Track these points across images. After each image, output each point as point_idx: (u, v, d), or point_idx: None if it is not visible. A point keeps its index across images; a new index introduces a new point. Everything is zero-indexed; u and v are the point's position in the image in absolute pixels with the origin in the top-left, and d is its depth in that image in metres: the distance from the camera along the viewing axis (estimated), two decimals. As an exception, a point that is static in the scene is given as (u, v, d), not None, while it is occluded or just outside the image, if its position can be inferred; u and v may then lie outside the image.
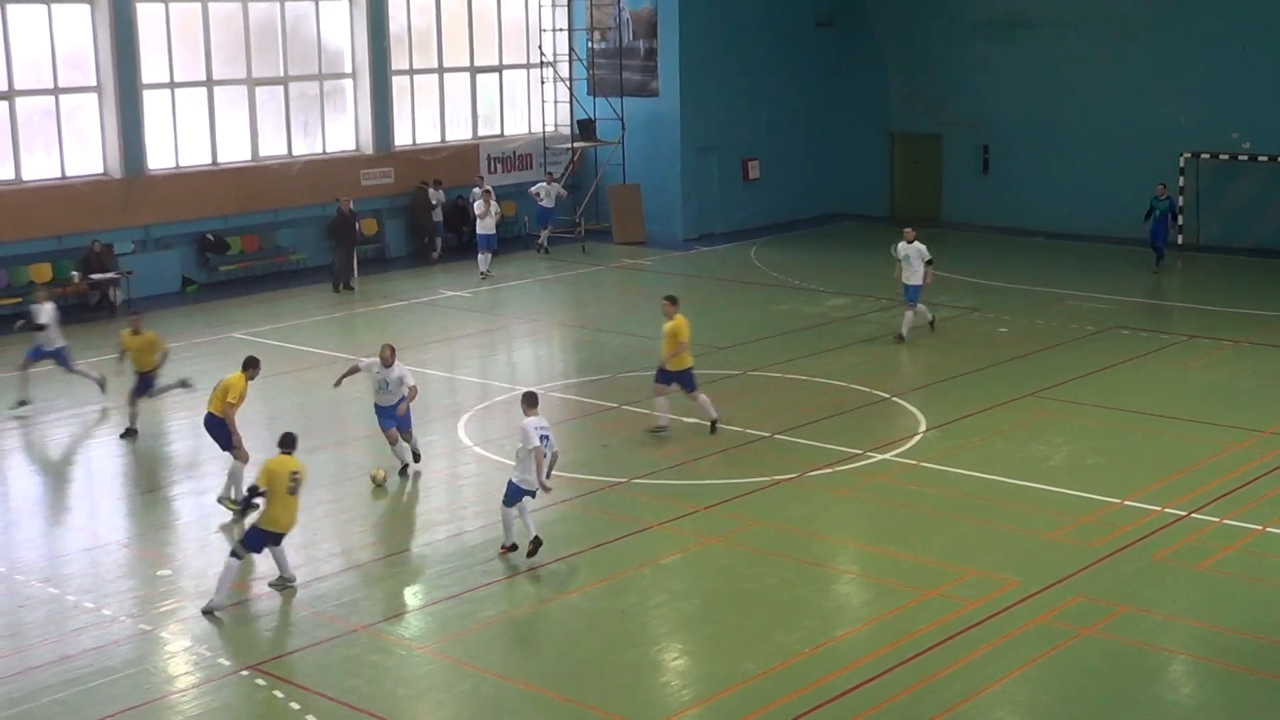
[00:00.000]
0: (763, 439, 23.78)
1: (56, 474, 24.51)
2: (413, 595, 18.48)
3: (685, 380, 23.99)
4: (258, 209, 39.10)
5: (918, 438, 23.67)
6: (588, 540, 19.77)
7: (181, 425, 25.45)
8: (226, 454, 21.48)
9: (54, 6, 35.48)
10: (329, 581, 18.67)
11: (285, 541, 18.04)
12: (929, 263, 29.39)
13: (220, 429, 21.47)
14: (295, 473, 17.78)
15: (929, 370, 28.36)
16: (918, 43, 45.90)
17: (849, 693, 15.05)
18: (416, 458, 22.78)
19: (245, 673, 16.03)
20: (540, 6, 45.24)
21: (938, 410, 25.21)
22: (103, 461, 24.64)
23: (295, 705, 15.20)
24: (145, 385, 24.99)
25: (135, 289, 36.30)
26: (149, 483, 23.07)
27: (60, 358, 27.00)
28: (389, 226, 41.75)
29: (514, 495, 18.71)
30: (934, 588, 17.81)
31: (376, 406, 22.32)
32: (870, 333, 31.15)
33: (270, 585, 18.13)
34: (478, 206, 38.93)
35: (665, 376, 24.00)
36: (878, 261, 35.61)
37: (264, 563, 18.56)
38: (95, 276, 35.43)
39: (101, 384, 26.83)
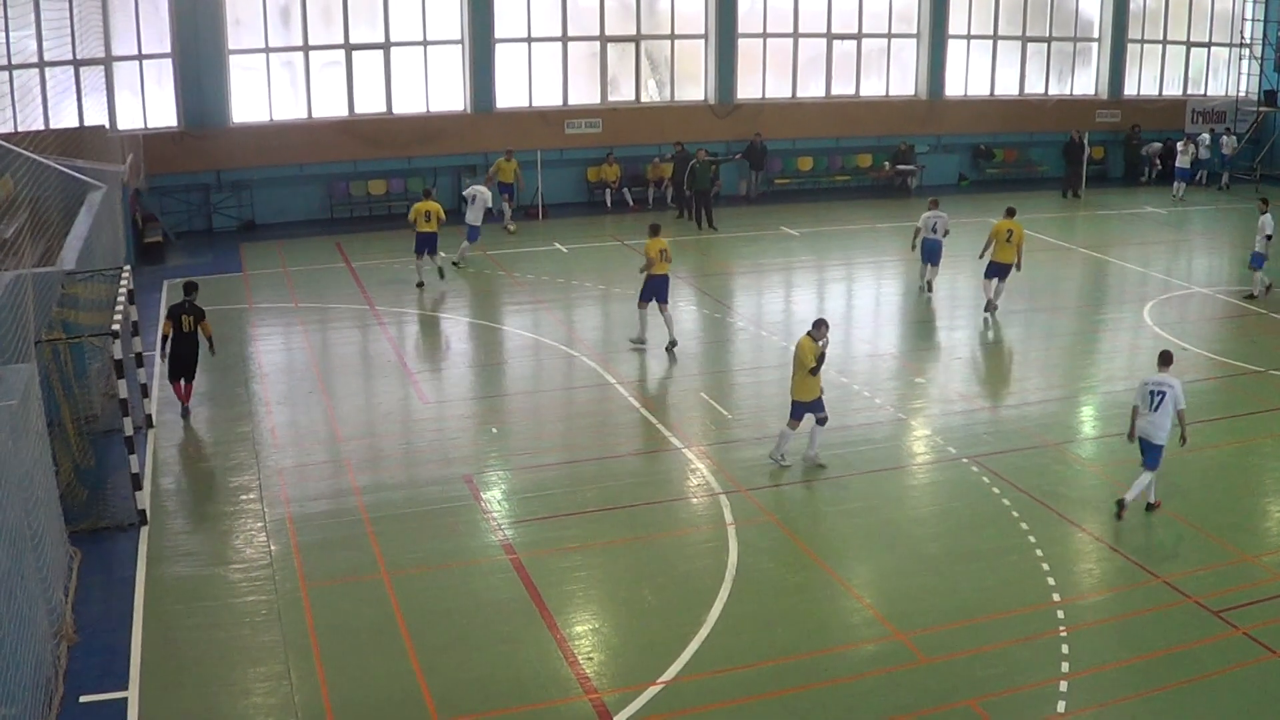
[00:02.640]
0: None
1: (869, 301, 25.48)
2: (1089, 428, 17.93)
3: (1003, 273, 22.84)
4: (1017, 130, 38.15)
5: None
6: (1225, 411, 18.29)
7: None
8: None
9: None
10: (1036, 407, 18.38)
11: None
12: None
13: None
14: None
15: None
16: None
17: None
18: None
19: (965, 460, 16.15)
20: (1244, 1, 40.65)
21: None
22: (890, 295, 25.54)
23: (995, 490, 15.24)
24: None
25: (925, 179, 36.75)
26: (920, 314, 23.51)
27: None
28: (1111, 153, 39.57)
29: (1155, 457, 14.28)
30: None
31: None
32: None
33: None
34: (1180, 145, 36.36)
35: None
36: None
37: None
38: (900, 167, 36.10)
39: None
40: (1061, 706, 10.72)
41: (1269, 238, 23.84)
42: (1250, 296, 24.29)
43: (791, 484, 15.50)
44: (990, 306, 22.84)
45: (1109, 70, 39.16)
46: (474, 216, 26.30)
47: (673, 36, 34.36)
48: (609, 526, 14.28)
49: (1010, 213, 23.00)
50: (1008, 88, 38.31)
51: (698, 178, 30.66)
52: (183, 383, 17.74)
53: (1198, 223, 33.31)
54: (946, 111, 37.10)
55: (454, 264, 26.00)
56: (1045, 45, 38.45)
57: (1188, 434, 14.52)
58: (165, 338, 17.58)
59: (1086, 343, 21.79)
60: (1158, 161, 38.37)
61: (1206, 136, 37.86)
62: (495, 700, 10.87)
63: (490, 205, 27.05)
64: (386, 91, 31.65)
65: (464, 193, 27.43)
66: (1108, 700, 10.89)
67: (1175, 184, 36.14)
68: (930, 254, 24.14)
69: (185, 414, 17.70)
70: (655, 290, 20.48)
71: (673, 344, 20.59)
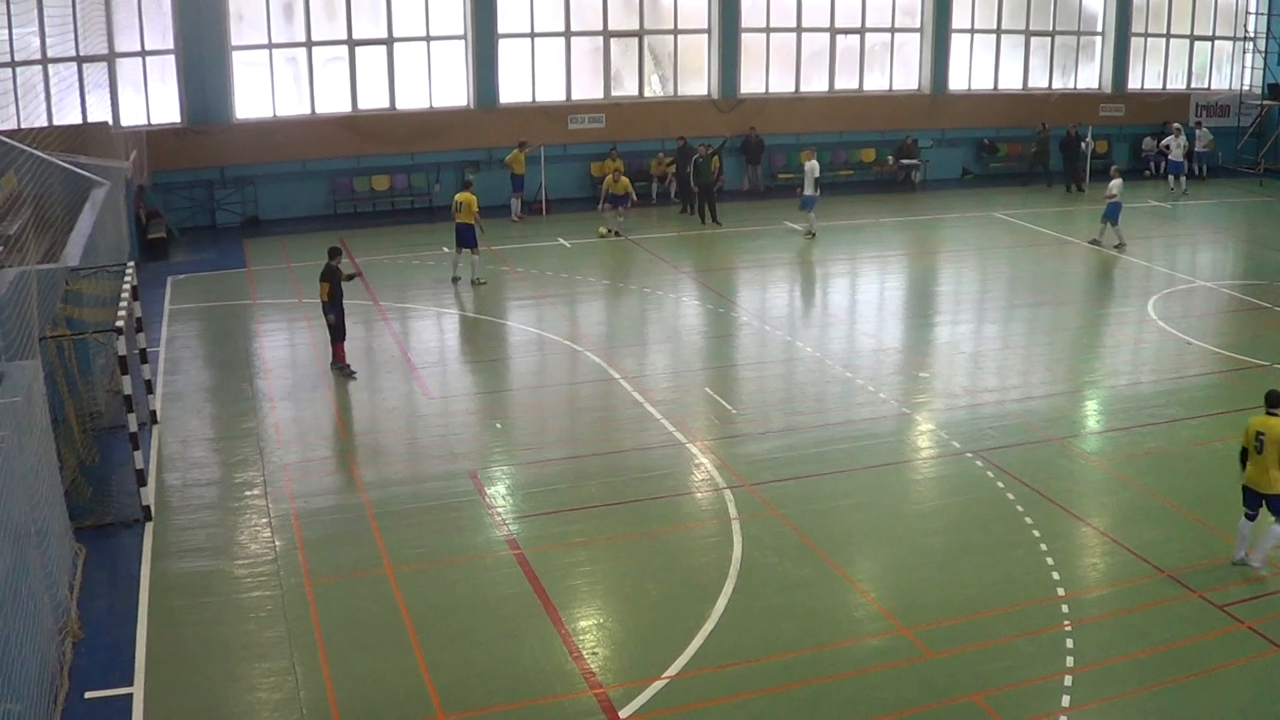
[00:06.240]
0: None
1: (873, 290, 25.49)
2: (1094, 422, 17.87)
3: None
4: (1021, 125, 37.86)
5: None
6: (1229, 405, 18.12)
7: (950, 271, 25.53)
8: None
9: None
10: (1040, 401, 18.33)
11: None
12: None
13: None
14: (1260, 433, 12.64)
15: None
16: None
17: None
18: None
19: (969, 455, 16.13)
20: (1250, -4, 40.72)
21: None
22: (894, 290, 25.51)
23: (1000, 484, 15.24)
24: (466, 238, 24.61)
25: (929, 173, 36.69)
26: (921, 309, 23.60)
27: None
28: (1115, 148, 39.43)
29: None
30: None
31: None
32: None
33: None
34: (1168, 140, 36.24)
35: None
36: None
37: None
38: (904, 161, 36.00)
39: None
40: (1066, 700, 10.72)
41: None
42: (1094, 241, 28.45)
43: (795, 479, 15.48)
44: None
45: (1113, 64, 39.08)
46: (810, 187, 28.98)
47: (676, 31, 34.34)
48: (613, 521, 14.28)
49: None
50: (1011, 82, 38.25)
51: (701, 173, 30.63)
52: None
53: (1196, 217, 33.22)
54: (950, 106, 37.05)
55: (810, 234, 29.09)
56: (1049, 39, 38.38)
57: None
58: None
59: (1091, 337, 21.77)
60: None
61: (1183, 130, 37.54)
62: (500, 695, 10.87)
63: (818, 175, 29.36)
64: (390, 87, 31.62)
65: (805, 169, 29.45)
66: (1112, 694, 10.88)
67: (1170, 178, 36.07)
68: (1112, 214, 28.39)
69: (338, 370, 19.55)
70: (459, 237, 24.61)
71: (474, 281, 24.62)
